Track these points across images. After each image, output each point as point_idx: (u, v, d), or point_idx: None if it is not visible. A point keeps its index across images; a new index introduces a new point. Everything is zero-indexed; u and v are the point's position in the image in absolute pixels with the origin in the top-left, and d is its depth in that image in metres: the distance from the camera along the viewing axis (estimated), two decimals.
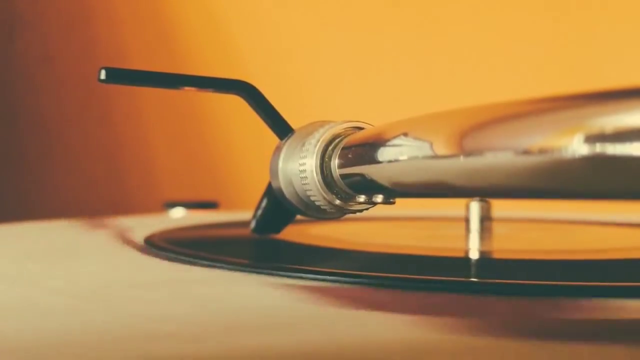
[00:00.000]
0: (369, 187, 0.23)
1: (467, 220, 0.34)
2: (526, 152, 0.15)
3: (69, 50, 0.96)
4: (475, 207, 0.34)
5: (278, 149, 0.26)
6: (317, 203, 0.25)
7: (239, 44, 0.88)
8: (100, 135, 0.96)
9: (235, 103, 0.28)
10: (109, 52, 0.95)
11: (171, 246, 0.28)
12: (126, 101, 0.95)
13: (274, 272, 0.22)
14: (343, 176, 0.24)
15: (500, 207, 0.39)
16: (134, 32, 0.95)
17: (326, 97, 0.82)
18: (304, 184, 0.25)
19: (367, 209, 0.25)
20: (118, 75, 0.24)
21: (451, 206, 0.37)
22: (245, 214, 0.37)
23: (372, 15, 0.80)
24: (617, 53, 0.66)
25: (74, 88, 0.96)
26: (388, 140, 0.21)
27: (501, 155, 0.16)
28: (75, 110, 0.97)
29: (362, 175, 0.22)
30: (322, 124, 0.25)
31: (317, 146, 0.24)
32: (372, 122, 0.25)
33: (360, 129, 0.25)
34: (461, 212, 0.35)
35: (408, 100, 0.75)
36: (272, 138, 0.27)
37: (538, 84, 0.69)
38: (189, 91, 0.26)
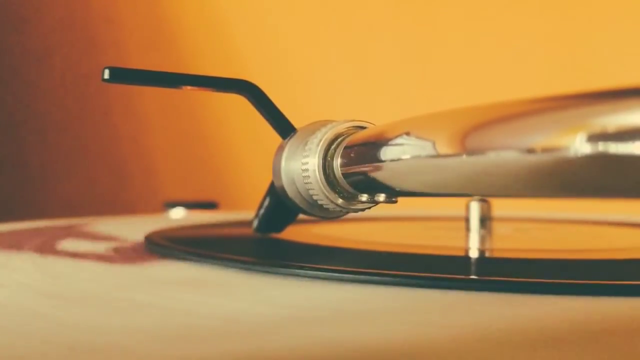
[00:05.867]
0: (371, 186, 0.23)
1: (467, 220, 0.34)
2: (529, 151, 0.15)
3: (69, 49, 0.96)
4: (475, 206, 0.34)
5: (281, 148, 0.26)
6: (319, 202, 0.25)
7: (240, 44, 0.88)
8: (100, 135, 0.96)
9: (236, 103, 0.28)
10: (109, 52, 0.95)
11: (172, 245, 0.28)
12: (126, 101, 0.95)
13: (277, 269, 0.22)
14: (345, 175, 0.24)
15: (500, 207, 0.39)
16: (133, 32, 0.95)
17: (328, 97, 0.82)
18: (307, 183, 0.25)
19: (369, 208, 0.25)
20: (122, 75, 0.25)
21: (451, 206, 0.37)
22: (246, 214, 0.37)
23: (374, 14, 0.80)
24: (617, 53, 0.66)
25: (73, 87, 0.96)
26: (390, 139, 0.21)
27: (504, 154, 0.16)
28: (75, 110, 0.97)
29: (364, 174, 0.23)
30: (324, 123, 0.25)
31: (320, 145, 0.24)
32: (375, 121, 0.25)
33: (363, 128, 0.25)
34: (461, 212, 0.35)
35: (410, 100, 0.75)
36: (272, 138, 0.27)
37: (538, 83, 0.69)
38: (192, 91, 0.27)
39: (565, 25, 0.70)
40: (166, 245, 0.28)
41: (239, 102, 0.27)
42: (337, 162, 0.24)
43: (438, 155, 0.19)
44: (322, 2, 0.84)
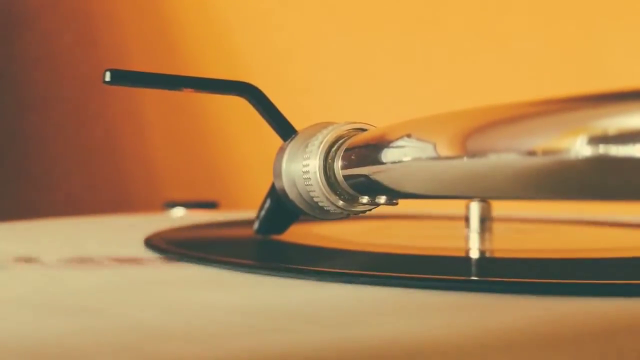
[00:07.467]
0: (372, 188, 0.23)
1: (467, 220, 0.34)
2: (530, 154, 0.15)
3: (69, 50, 0.96)
4: (475, 207, 0.34)
5: (281, 150, 0.27)
6: (320, 204, 0.25)
7: (240, 45, 0.88)
8: (100, 135, 0.96)
9: (236, 103, 0.28)
10: (109, 52, 0.95)
11: (172, 247, 0.28)
12: (126, 101, 0.95)
13: (277, 272, 0.22)
14: (346, 177, 0.24)
15: (500, 207, 0.39)
16: (134, 32, 0.95)
17: (329, 99, 0.82)
18: (307, 185, 0.25)
19: (370, 209, 0.25)
20: (123, 77, 0.25)
21: (451, 206, 0.37)
22: (246, 214, 0.37)
23: (374, 16, 0.80)
24: (618, 53, 0.66)
25: (73, 88, 0.96)
26: (391, 141, 0.21)
27: (504, 157, 0.16)
28: (75, 110, 0.97)
29: (365, 176, 0.23)
30: (325, 125, 0.25)
31: (321, 147, 0.25)
32: (376, 123, 0.25)
33: (364, 130, 0.25)
34: (461, 212, 0.35)
35: (411, 102, 0.75)
36: (272, 138, 0.27)
37: (538, 84, 0.69)
38: (192, 93, 0.27)
39: (566, 27, 0.70)
40: (166, 248, 0.28)
41: (239, 102, 0.27)
42: (338, 164, 0.24)
43: (439, 158, 0.19)
44: (323, 4, 0.84)
